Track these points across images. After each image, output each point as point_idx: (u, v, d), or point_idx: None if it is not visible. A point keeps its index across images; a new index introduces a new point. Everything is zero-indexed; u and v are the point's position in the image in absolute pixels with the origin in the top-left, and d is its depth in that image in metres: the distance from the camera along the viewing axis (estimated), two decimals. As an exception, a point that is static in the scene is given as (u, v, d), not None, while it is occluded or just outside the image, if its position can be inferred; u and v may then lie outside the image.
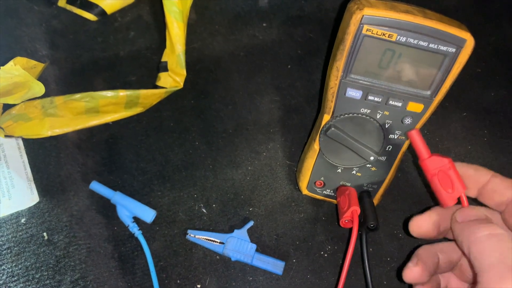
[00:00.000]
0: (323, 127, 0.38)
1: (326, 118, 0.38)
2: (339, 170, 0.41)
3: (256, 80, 0.51)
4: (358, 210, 0.39)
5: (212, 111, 0.49)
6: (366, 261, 0.40)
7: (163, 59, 0.48)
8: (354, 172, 0.41)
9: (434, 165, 0.34)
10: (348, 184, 0.42)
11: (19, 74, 0.35)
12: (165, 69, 0.48)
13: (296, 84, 0.51)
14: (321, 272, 0.43)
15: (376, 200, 0.43)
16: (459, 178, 0.33)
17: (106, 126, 0.47)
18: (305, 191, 0.44)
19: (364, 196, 0.42)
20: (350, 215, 0.39)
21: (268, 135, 0.48)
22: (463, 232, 0.29)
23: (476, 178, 0.33)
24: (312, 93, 0.51)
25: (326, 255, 0.43)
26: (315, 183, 0.43)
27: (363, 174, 0.41)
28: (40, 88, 0.37)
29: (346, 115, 0.37)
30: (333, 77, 0.36)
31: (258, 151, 0.47)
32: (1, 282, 0.36)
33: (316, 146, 0.40)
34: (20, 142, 0.42)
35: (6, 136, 0.41)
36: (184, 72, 0.47)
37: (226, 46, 0.52)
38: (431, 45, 0.32)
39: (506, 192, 0.32)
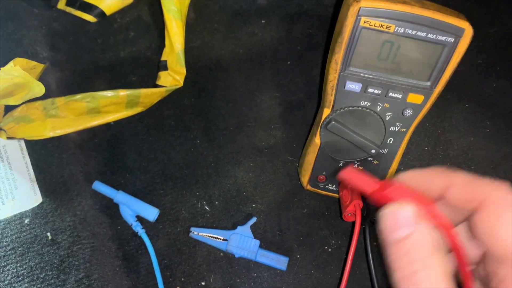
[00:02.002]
0: (323, 121, 0.38)
1: (326, 112, 0.38)
2: (341, 164, 0.41)
3: (256, 77, 0.51)
4: (361, 204, 0.39)
5: (213, 109, 0.49)
6: (370, 255, 0.40)
7: (163, 58, 0.48)
8: (356, 166, 0.41)
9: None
10: (350, 178, 0.42)
11: (19, 75, 0.35)
12: (165, 68, 0.48)
13: (296, 80, 0.51)
14: (325, 267, 0.43)
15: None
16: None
17: (107, 126, 0.47)
18: (307, 186, 0.44)
19: (366, 189, 0.42)
20: (353, 208, 0.39)
21: (269, 132, 0.48)
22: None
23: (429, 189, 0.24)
24: (313, 88, 0.50)
25: (330, 250, 0.43)
26: (317, 178, 0.43)
27: (365, 167, 0.41)
28: (40, 89, 0.37)
29: (346, 109, 0.37)
30: (332, 70, 0.36)
31: (259, 147, 0.47)
32: (6, 282, 0.36)
33: (317, 140, 0.40)
34: (23, 143, 0.42)
35: (8, 138, 0.41)
36: (184, 71, 0.47)
37: (225, 44, 0.52)
38: (430, 36, 0.32)
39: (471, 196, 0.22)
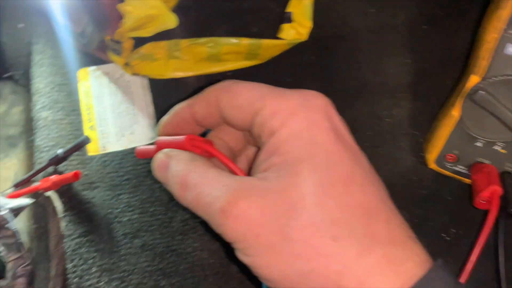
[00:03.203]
0: (468, 91, 0.33)
1: (474, 80, 0.33)
2: (479, 144, 0.36)
3: (386, 39, 0.46)
4: (500, 191, 0.34)
5: (333, 70, 0.46)
6: (502, 252, 0.35)
7: (288, 9, 0.46)
8: (497, 148, 0.35)
9: None
10: (487, 162, 0.37)
11: (154, 6, 0.36)
12: (289, 20, 0.45)
13: (431, 47, 0.45)
14: (440, 256, 0.38)
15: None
16: None
17: (224, 76, 0.46)
18: (432, 165, 0.39)
19: (506, 177, 0.36)
20: (489, 195, 0.34)
21: (393, 100, 0.44)
22: None
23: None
24: (451, 58, 0.45)
25: (448, 238, 0.39)
26: (445, 156, 0.38)
27: (509, 151, 0.35)
28: (173, 21, 0.37)
29: (502, 78, 0.31)
30: (492, 29, 0.30)
31: (380, 116, 0.43)
32: (119, 210, 0.37)
33: (454, 112, 0.35)
34: (145, 81, 0.43)
35: (133, 74, 0.42)
36: (310, 24, 0.44)
37: (355, 0, 0.48)
38: None
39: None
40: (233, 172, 0.23)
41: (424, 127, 0.43)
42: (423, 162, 0.41)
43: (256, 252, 0.20)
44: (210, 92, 0.25)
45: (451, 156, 0.38)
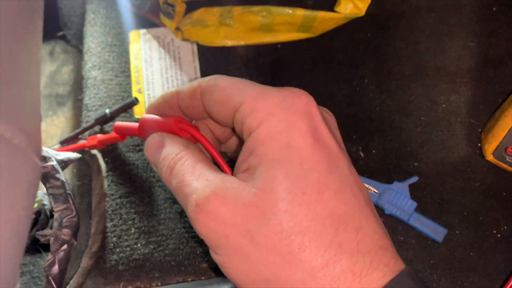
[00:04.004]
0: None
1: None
2: (546, 138, 0.33)
3: (449, 20, 0.43)
4: None
5: (389, 49, 0.43)
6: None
7: (348, -18, 0.43)
8: None
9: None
10: (553, 158, 0.34)
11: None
12: (348, -7, 0.43)
13: (499, 31, 0.42)
14: (489, 253, 0.36)
15: None
16: None
17: (274, 48, 0.45)
18: (489, 156, 0.37)
19: None
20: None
21: (452, 86, 0.41)
22: None
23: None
24: (520, 44, 0.41)
25: (499, 235, 0.36)
26: (506, 149, 0.36)
27: None
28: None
29: None
30: None
31: (437, 101, 0.41)
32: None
33: (523, 102, 0.32)
34: (195, 47, 0.42)
35: (183, 39, 0.42)
36: (370, -2, 0.42)
37: (419, -23, 0.45)
38: None
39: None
40: (219, 164, 0.24)
41: (483, 116, 0.40)
42: (479, 153, 0.39)
43: (226, 252, 0.21)
44: (196, 84, 0.24)
45: (512, 149, 0.35)
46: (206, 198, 0.20)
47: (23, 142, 0.13)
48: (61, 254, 0.22)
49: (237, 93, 0.22)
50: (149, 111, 0.27)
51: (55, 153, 0.25)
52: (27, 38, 0.15)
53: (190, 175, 0.22)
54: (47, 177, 0.23)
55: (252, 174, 0.21)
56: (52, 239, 0.23)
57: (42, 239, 0.23)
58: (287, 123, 0.21)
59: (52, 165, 0.23)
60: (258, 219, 0.20)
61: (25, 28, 0.15)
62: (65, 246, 0.23)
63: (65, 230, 0.23)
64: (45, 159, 0.24)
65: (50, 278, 0.22)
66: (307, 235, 0.20)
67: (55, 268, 0.22)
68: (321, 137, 0.21)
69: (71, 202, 0.22)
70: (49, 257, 0.23)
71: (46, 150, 0.25)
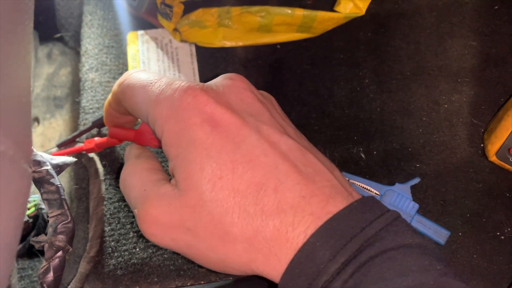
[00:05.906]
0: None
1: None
2: (551, 138, 0.33)
3: (451, 19, 0.43)
4: None
5: (390, 48, 0.43)
6: None
7: (347, -19, 0.43)
8: None
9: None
10: (557, 159, 0.33)
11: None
12: (348, -7, 0.42)
13: (502, 30, 0.42)
14: (493, 255, 0.36)
15: None
16: None
17: (273, 49, 0.44)
18: (492, 157, 0.36)
19: None
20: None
21: (454, 85, 0.41)
22: None
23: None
24: (523, 43, 0.41)
25: (503, 237, 0.36)
26: (509, 149, 0.35)
27: None
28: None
29: None
30: None
31: (438, 101, 0.40)
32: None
33: (526, 102, 0.32)
34: (193, 48, 0.42)
35: (181, 40, 0.41)
36: (370, -3, 0.41)
37: (420, -25, 0.45)
38: None
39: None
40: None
41: (486, 117, 0.39)
42: (481, 153, 0.38)
43: (182, 251, 0.23)
44: (113, 89, 0.27)
45: (515, 150, 0.35)
46: (144, 210, 0.23)
47: (10, 149, 0.12)
48: (56, 261, 0.22)
49: (142, 102, 0.24)
50: (107, 125, 0.31)
51: (50, 158, 0.24)
52: (16, 40, 0.14)
53: (132, 185, 0.25)
54: (42, 182, 0.23)
55: (175, 177, 0.23)
56: (46, 246, 0.23)
57: (36, 246, 0.23)
58: (183, 122, 0.23)
59: (47, 170, 0.22)
60: (191, 216, 0.22)
61: (14, 30, 0.14)
62: (60, 253, 0.22)
63: (60, 237, 0.22)
64: (39, 163, 0.23)
65: (44, 285, 0.22)
66: (234, 212, 0.21)
67: (50, 275, 0.22)
68: (218, 122, 0.23)
69: (66, 207, 0.22)
70: (43, 264, 0.23)
71: (41, 155, 0.24)
